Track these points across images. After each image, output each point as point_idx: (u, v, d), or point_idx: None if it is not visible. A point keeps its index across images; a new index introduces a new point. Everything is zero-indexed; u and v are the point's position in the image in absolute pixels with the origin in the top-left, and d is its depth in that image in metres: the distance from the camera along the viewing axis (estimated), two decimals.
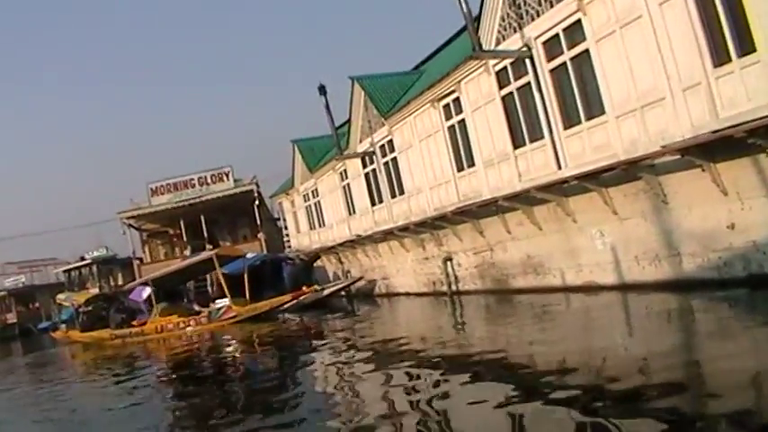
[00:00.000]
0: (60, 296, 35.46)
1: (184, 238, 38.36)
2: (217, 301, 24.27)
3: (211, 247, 31.99)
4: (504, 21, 14.87)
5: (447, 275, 19.02)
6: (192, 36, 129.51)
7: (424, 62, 23.92)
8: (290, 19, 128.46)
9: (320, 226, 29.90)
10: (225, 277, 23.93)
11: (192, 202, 36.54)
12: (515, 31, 14.45)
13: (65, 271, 46.85)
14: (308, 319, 20.76)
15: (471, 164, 17.06)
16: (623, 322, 11.17)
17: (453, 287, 18.90)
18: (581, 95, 13.07)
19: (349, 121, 23.68)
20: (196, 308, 25.59)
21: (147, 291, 26.23)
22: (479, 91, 16.09)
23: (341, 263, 27.88)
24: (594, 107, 12.79)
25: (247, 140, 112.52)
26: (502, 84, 15.28)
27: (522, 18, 14.24)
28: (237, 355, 16.35)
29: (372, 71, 23.25)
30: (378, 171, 22.52)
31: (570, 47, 13.09)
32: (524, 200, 14.77)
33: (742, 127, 9.61)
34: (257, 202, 36.36)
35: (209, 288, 30.29)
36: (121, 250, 43.05)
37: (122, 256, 43.45)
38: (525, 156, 14.94)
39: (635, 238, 12.46)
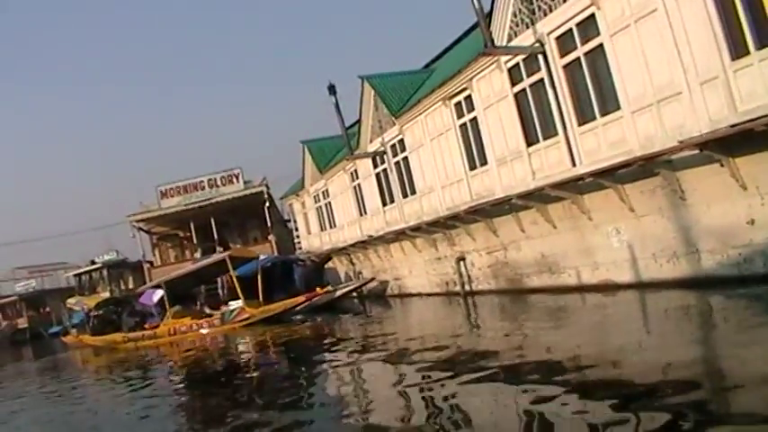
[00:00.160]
0: (70, 300, 35.54)
1: (194, 241, 38.35)
2: (230, 302, 24.16)
3: (222, 249, 31.96)
4: (515, 16, 14.71)
5: (460, 275, 18.86)
6: (201, 37, 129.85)
7: (433, 61, 23.78)
8: (298, 19, 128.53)
9: (331, 227, 29.78)
10: (237, 279, 23.84)
11: (201, 204, 36.52)
12: (527, 27, 14.29)
13: (75, 275, 46.87)
14: (321, 320, 20.63)
15: (484, 162, 16.89)
16: (642, 321, 10.97)
17: (467, 287, 18.74)
18: (595, 91, 12.90)
19: (359, 120, 23.57)
20: (207, 311, 25.51)
21: (158, 294, 26.13)
22: (491, 88, 15.93)
23: (352, 264, 27.77)
24: (609, 103, 12.61)
25: (257, 142, 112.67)
26: (514, 80, 15.11)
27: (534, 13, 14.09)
28: (251, 356, 16.24)
29: (382, 71, 23.03)
30: (389, 171, 22.38)
31: (584, 42, 12.92)
32: (538, 198, 14.60)
33: (761, 120, 9.43)
34: (267, 204, 36.32)
35: (220, 291, 30.20)
36: (131, 254, 43.13)
37: (132, 260, 43.44)
38: (539, 153, 14.76)
39: (652, 235, 12.27)
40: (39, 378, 20.30)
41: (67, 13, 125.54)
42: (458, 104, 17.64)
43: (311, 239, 32.63)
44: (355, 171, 25.52)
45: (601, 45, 12.51)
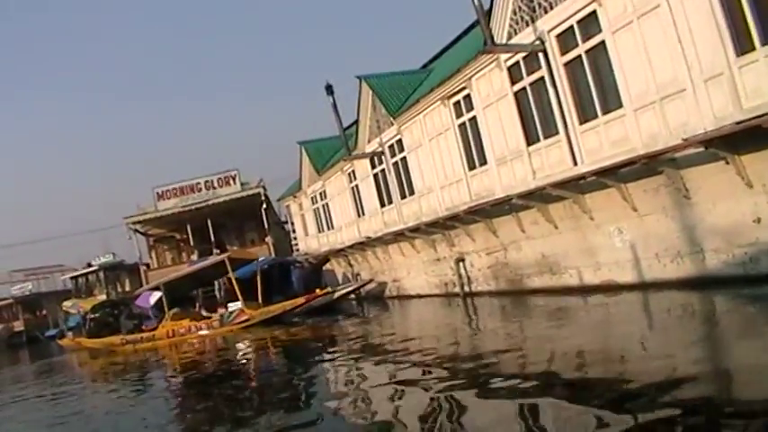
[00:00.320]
0: (66, 303, 35.25)
1: (191, 243, 38.10)
2: (229, 304, 23.96)
3: (219, 251, 31.77)
4: (515, 14, 14.54)
5: (459, 276, 18.67)
6: (199, 38, 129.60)
7: (431, 61, 23.60)
8: (295, 21, 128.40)
9: (329, 228, 29.59)
10: (235, 281, 23.63)
11: (198, 206, 36.28)
12: (528, 25, 14.12)
13: (72, 278, 46.69)
14: (320, 322, 20.42)
15: (483, 162, 16.70)
16: (645, 323, 10.80)
17: (466, 288, 18.55)
18: (597, 89, 12.72)
19: (357, 121, 23.37)
20: (204, 313, 25.33)
21: (155, 296, 25.94)
22: (491, 87, 15.75)
23: (350, 265, 27.57)
24: (611, 101, 12.43)
25: (254, 143, 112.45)
26: (514, 79, 14.93)
27: (534, 11, 13.92)
28: (252, 359, 16.01)
29: (380, 71, 22.84)
30: (387, 171, 22.20)
31: (585, 39, 12.74)
32: (539, 197, 14.41)
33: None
34: (264, 206, 36.10)
35: (217, 293, 29.99)
36: (128, 256, 42.90)
37: (129, 262, 43.23)
38: (539, 152, 14.58)
39: (655, 234, 12.09)
40: (34, 381, 20.08)
41: (67, 15, 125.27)
42: (457, 104, 17.45)
43: (309, 241, 32.43)
44: (353, 172, 25.33)
45: (602, 42, 12.33)
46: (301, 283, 27.68)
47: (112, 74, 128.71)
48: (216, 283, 29.18)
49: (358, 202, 25.54)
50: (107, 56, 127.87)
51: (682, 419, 5.16)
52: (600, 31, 12.33)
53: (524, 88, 14.71)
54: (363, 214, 25.15)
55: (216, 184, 37.34)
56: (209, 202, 36.38)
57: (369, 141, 23.02)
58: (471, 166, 17.32)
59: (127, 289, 42.62)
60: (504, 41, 14.69)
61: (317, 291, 23.85)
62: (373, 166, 23.29)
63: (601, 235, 13.39)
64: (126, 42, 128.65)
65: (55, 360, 28.06)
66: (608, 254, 13.30)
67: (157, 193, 37.40)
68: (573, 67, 13.26)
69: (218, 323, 23.04)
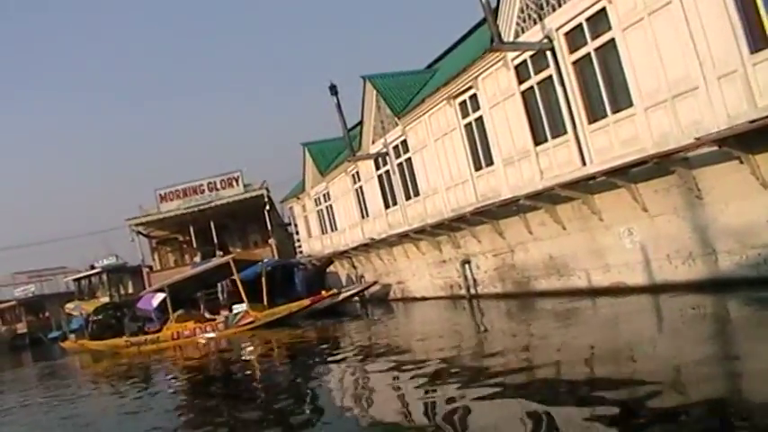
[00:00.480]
0: (69, 305, 35.15)
1: (194, 245, 37.92)
2: (234, 306, 23.76)
3: (222, 253, 31.60)
4: (522, 12, 14.33)
5: (465, 278, 18.44)
6: (201, 39, 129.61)
7: (436, 61, 23.41)
8: (299, 21, 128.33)
9: (332, 230, 29.38)
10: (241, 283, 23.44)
11: (201, 207, 36.11)
12: (535, 23, 13.92)
13: (74, 280, 46.50)
14: (325, 324, 20.21)
15: (490, 162, 16.49)
16: (657, 326, 10.62)
17: (472, 290, 18.32)
18: (606, 88, 12.51)
19: (361, 122, 23.17)
20: (207, 315, 25.15)
21: (158, 298, 25.75)
22: (497, 86, 15.54)
23: (354, 267, 27.36)
24: (621, 99, 12.21)
25: (257, 145, 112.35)
26: (521, 78, 14.72)
27: (542, 9, 13.71)
28: (258, 363, 15.77)
29: (384, 71, 22.62)
30: (391, 172, 21.99)
31: (594, 37, 12.53)
32: (547, 198, 14.19)
33: None
34: (268, 208, 35.90)
35: (220, 296, 29.77)
36: (131, 258, 42.74)
37: (132, 264, 43.07)
38: (547, 152, 14.37)
39: (666, 235, 11.85)
40: (40, 384, 19.88)
41: (68, 15, 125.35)
42: (462, 104, 17.25)
43: (312, 243, 32.23)
44: (357, 173, 25.13)
45: (612, 40, 12.12)
46: (304, 285, 27.46)
47: (114, 74, 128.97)
48: (219, 285, 28.98)
49: (362, 203, 25.33)
50: (109, 56, 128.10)
51: (693, 426, 5.02)
52: (609, 28, 12.12)
53: (532, 87, 14.50)
54: (367, 216, 24.95)
55: (219, 186, 37.15)
56: (212, 204, 36.20)
57: (373, 142, 22.82)
58: (477, 167, 17.10)
59: (130, 291, 42.42)
60: (511, 40, 14.48)
61: (323, 292, 23.66)
62: (378, 167, 23.09)
63: (610, 236, 13.16)
64: (127, 42, 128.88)
65: (58, 363, 27.83)
66: (617, 255, 13.07)
67: (160, 195, 37.23)
68: (582, 65, 13.05)
69: (222, 325, 22.86)
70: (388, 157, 22.05)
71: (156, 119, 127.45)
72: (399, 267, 23.24)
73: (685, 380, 6.64)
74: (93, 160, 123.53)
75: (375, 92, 21.57)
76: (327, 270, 30.04)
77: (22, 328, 54.85)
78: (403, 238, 21.26)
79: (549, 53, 13.65)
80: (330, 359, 13.14)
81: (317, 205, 30.76)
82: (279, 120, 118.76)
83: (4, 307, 56.49)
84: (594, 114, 12.93)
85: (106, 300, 38.45)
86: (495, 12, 14.40)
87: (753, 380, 6.17)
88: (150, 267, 39.14)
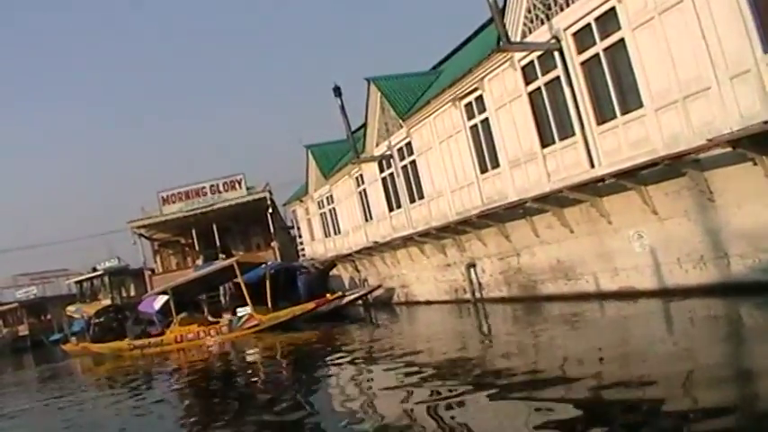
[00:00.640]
0: (70, 308, 35.01)
1: (196, 248, 37.77)
2: (238, 309, 23.56)
3: (224, 256, 31.40)
4: (530, 13, 14.14)
5: (470, 282, 18.22)
6: (205, 42, 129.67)
7: (441, 63, 23.21)
8: (302, 23, 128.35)
9: (335, 233, 29.18)
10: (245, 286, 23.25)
11: (203, 210, 35.95)
12: (543, 23, 13.72)
13: (76, 282, 46.41)
14: (328, 328, 20.01)
15: (496, 165, 16.29)
16: (667, 331, 10.38)
17: (477, 294, 18.10)
18: (615, 88, 12.29)
19: (365, 124, 22.98)
20: (210, 319, 24.98)
21: (160, 301, 25.58)
22: (504, 88, 15.35)
23: (357, 271, 27.14)
24: (631, 100, 12.00)
25: (260, 147, 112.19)
26: (528, 79, 14.53)
27: (549, 9, 13.52)
28: (264, 366, 15.59)
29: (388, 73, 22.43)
30: (395, 175, 21.79)
31: (603, 37, 12.32)
32: (554, 201, 13.98)
33: None
34: (270, 210, 35.71)
35: (222, 299, 29.57)
36: (133, 261, 42.60)
37: (134, 267, 42.93)
38: (554, 154, 14.16)
39: (677, 239, 11.63)
40: (46, 387, 19.67)
41: (69, 18, 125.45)
42: (468, 105, 17.05)
43: (315, 246, 32.04)
44: (361, 176, 24.94)
45: (622, 40, 11.91)
46: (307, 288, 27.26)
47: (118, 78, 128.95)
48: (221, 287, 28.80)
49: (366, 206, 25.13)
50: (112, 60, 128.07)
51: None
52: (619, 28, 11.91)
53: (539, 88, 14.30)
54: (371, 219, 24.75)
55: (221, 189, 36.98)
56: (215, 207, 36.03)
57: (377, 144, 22.63)
58: (483, 169, 16.90)
59: (132, 294, 42.29)
60: (518, 40, 14.28)
61: (328, 295, 23.48)
62: (381, 170, 22.89)
63: (619, 239, 12.94)
64: (130, 46, 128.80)
65: (60, 365, 27.65)
66: (626, 259, 12.85)
67: (162, 198, 37.06)
68: (590, 65, 12.84)
69: (226, 328, 22.68)
70: (392, 160, 21.86)
71: (158, 121, 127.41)
72: (403, 271, 23.03)
73: (698, 388, 6.44)
74: (96, 163, 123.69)
75: (379, 94, 21.39)
76: (330, 273, 29.83)
77: (23, 330, 54.85)
78: (407, 241, 21.05)
79: (556, 53, 13.46)
80: (335, 363, 12.96)
81: (320, 208, 30.56)
82: (282, 122, 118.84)
83: (6, 309, 56.52)
84: (603, 115, 12.72)
85: (108, 302, 38.33)
86: (502, 12, 14.18)
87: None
88: (152, 270, 39.00)
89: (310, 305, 22.46)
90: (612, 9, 11.96)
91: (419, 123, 19.38)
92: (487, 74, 15.67)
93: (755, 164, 9.83)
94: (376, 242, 23.51)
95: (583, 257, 14.05)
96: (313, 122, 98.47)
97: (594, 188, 12.83)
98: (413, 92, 20.85)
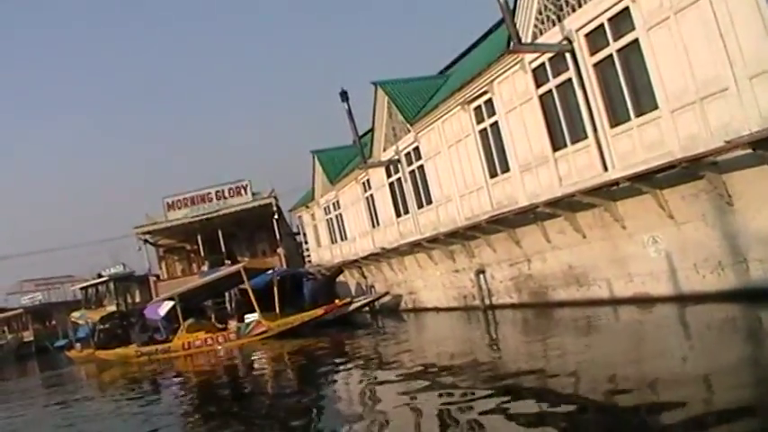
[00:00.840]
0: (75, 314, 34.80)
1: (202, 254, 37.52)
2: (246, 315, 23.30)
3: (230, 262, 31.15)
4: (541, 14, 13.91)
5: (479, 289, 17.92)
6: (211, 47, 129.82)
7: (449, 67, 23.01)
8: (310, 28, 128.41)
9: (342, 239, 28.91)
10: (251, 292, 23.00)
11: (209, 216, 35.69)
12: (554, 24, 13.49)
13: (81, 288, 46.28)
14: (336, 335, 19.73)
15: (506, 169, 16.02)
16: (684, 337, 10.07)
17: (486, 301, 17.80)
18: (629, 90, 12.04)
19: (372, 129, 22.73)
20: (217, 325, 24.74)
21: (165, 307, 25.35)
22: (514, 91, 15.10)
23: (364, 277, 26.87)
24: (645, 102, 11.73)
25: (266, 153, 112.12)
26: (539, 82, 14.27)
27: (561, 9, 13.28)
28: (275, 374, 15.31)
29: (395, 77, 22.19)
30: (403, 180, 21.53)
31: (617, 38, 12.08)
32: (566, 205, 13.70)
33: None
34: (276, 216, 35.46)
35: (228, 305, 29.32)
36: (138, 267, 42.39)
37: (139, 274, 42.75)
38: (566, 158, 13.90)
39: (694, 243, 11.33)
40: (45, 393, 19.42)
41: (73, 22, 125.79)
42: (477, 109, 16.80)
43: (321, 252, 31.78)
44: (367, 181, 24.70)
45: (636, 40, 11.67)
46: (313, 295, 26.99)
47: (123, 84, 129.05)
48: (227, 294, 28.57)
49: (373, 212, 24.86)
50: (117, 66, 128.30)
51: None
52: (633, 28, 11.67)
53: (550, 91, 14.05)
54: (378, 225, 24.48)
55: (227, 194, 36.75)
56: (220, 213, 35.77)
57: (384, 149, 22.39)
58: (493, 174, 16.63)
59: (137, 300, 42.09)
60: (528, 42, 14.03)
61: (337, 301, 23.20)
62: (389, 175, 22.64)
63: (633, 244, 12.65)
64: (135, 51, 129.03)
65: (65, 372, 27.36)
66: (641, 264, 12.55)
67: (167, 203, 36.85)
68: (603, 67, 12.59)
69: (234, 335, 22.45)
70: (399, 165, 21.60)
71: (163, 127, 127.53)
72: (411, 277, 22.75)
73: (718, 398, 6.17)
74: (102, 169, 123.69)
75: (386, 98, 21.17)
76: (337, 280, 29.56)
77: (28, 335, 54.74)
78: (415, 247, 20.78)
79: (568, 55, 13.23)
80: (345, 370, 12.77)
81: (326, 214, 30.32)
82: (288, 127, 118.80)
83: (12, 315, 56.37)
84: (617, 118, 12.46)
85: (113, 308, 38.14)
86: (513, 13, 13.94)
87: None
88: (157, 276, 38.78)
89: (319, 311, 22.20)
90: (626, 9, 11.72)
91: (427, 127, 19.13)
92: (497, 77, 15.42)
93: None
94: (383, 248, 23.24)
95: (596, 263, 13.76)
96: (319, 128, 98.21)
97: (608, 192, 12.56)
98: (420, 96, 20.61)
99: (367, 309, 25.05)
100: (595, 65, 12.72)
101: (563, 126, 13.86)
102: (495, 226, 16.22)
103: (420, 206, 20.77)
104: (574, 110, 13.48)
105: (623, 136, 12.31)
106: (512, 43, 13.37)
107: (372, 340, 17.88)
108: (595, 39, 12.62)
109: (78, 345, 32.37)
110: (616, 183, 12.00)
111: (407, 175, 21.16)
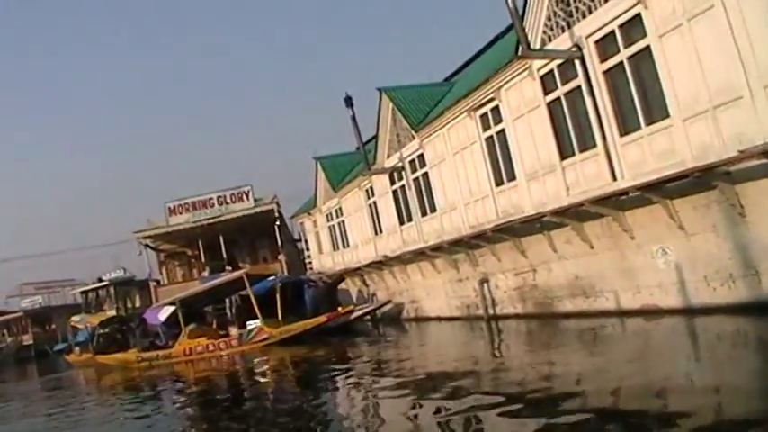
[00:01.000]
0: (74, 318, 34.61)
1: (202, 259, 37.36)
2: (247, 322, 23.07)
3: (231, 268, 30.98)
4: (550, 20, 13.72)
5: (483, 298, 17.67)
6: (212, 52, 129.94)
7: (455, 74, 22.83)
8: (313, 32, 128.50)
9: (344, 246, 28.69)
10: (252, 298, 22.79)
11: (210, 221, 35.59)
12: (563, 31, 13.30)
13: (82, 292, 46.03)
14: (337, 343, 19.49)
15: (512, 177, 15.81)
16: (693, 352, 9.85)
17: (490, 311, 17.53)
18: (640, 98, 11.83)
19: (376, 135, 22.55)
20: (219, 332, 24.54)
21: (165, 312, 25.15)
22: (522, 98, 14.90)
23: (366, 285, 26.61)
24: (656, 110, 11.53)
25: (268, 159, 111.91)
26: (547, 89, 14.08)
27: (571, 16, 13.09)
28: (277, 382, 15.07)
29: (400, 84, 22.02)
30: (407, 188, 21.32)
31: (628, 44, 11.89)
32: (573, 215, 13.46)
33: None
34: (278, 223, 35.30)
35: (228, 311, 29.10)
36: (139, 272, 42.23)
37: (140, 278, 42.57)
38: (574, 167, 13.69)
39: (704, 255, 11.10)
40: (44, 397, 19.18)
41: (75, 25, 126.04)
42: (484, 116, 16.61)
43: (323, 259, 31.55)
44: (371, 188, 24.49)
45: (647, 47, 11.47)
46: (314, 302, 26.75)
47: (124, 88, 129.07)
48: (227, 300, 28.35)
49: (376, 219, 24.65)
50: (119, 70, 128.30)
51: None
52: (644, 35, 11.48)
53: (558, 98, 13.86)
54: (381, 232, 24.26)
55: (228, 200, 36.61)
56: (222, 218, 35.66)
57: (388, 156, 22.20)
58: (498, 182, 16.43)
59: (137, 305, 41.84)
60: (537, 48, 13.83)
61: (339, 309, 22.98)
62: (392, 182, 22.44)
63: (642, 255, 12.41)
64: (137, 56, 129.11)
65: (64, 376, 27.15)
66: (650, 276, 12.30)
67: (169, 208, 36.70)
68: (613, 74, 12.39)
69: (236, 341, 22.25)
70: (403, 172, 21.41)
71: (166, 131, 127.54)
72: (413, 286, 22.50)
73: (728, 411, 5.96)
74: (104, 173, 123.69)
75: (391, 104, 20.99)
76: (338, 287, 29.33)
77: (28, 339, 54.45)
78: (418, 255, 20.55)
79: (577, 62, 13.04)
80: (347, 379, 12.56)
81: (328, 221, 30.10)
82: (290, 133, 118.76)
83: (11, 318, 56.12)
84: (627, 126, 12.25)
85: (113, 313, 37.90)
86: (522, 18, 13.75)
87: None
88: (158, 281, 38.63)
89: (322, 318, 21.99)
90: (638, 16, 11.53)
91: (432, 135, 18.95)
92: (504, 83, 15.24)
93: None
94: (386, 256, 23.00)
95: (603, 274, 13.52)
96: (323, 134, 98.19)
97: (617, 202, 12.33)
98: (426, 103, 20.44)
99: (368, 317, 24.80)
100: (605, 72, 12.53)
101: (571, 134, 13.66)
102: (501, 235, 15.98)
103: (424, 214, 20.55)
104: (582, 118, 13.29)
105: (633, 145, 12.10)
106: (520, 49, 13.17)
107: (374, 349, 17.64)
108: (606, 46, 12.44)
109: (77, 349, 32.13)
110: (625, 192, 11.78)
111: (411, 183, 20.96)
